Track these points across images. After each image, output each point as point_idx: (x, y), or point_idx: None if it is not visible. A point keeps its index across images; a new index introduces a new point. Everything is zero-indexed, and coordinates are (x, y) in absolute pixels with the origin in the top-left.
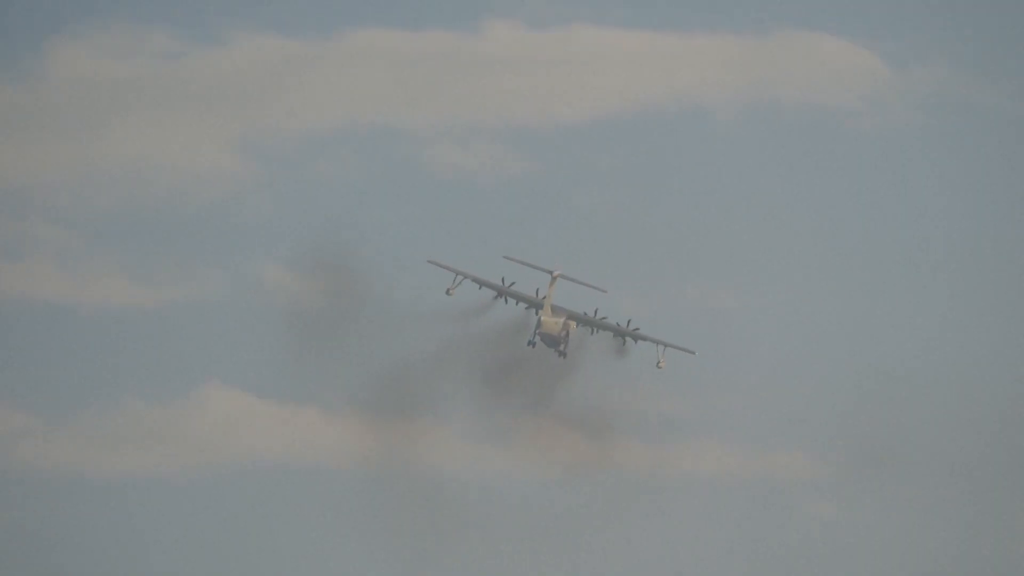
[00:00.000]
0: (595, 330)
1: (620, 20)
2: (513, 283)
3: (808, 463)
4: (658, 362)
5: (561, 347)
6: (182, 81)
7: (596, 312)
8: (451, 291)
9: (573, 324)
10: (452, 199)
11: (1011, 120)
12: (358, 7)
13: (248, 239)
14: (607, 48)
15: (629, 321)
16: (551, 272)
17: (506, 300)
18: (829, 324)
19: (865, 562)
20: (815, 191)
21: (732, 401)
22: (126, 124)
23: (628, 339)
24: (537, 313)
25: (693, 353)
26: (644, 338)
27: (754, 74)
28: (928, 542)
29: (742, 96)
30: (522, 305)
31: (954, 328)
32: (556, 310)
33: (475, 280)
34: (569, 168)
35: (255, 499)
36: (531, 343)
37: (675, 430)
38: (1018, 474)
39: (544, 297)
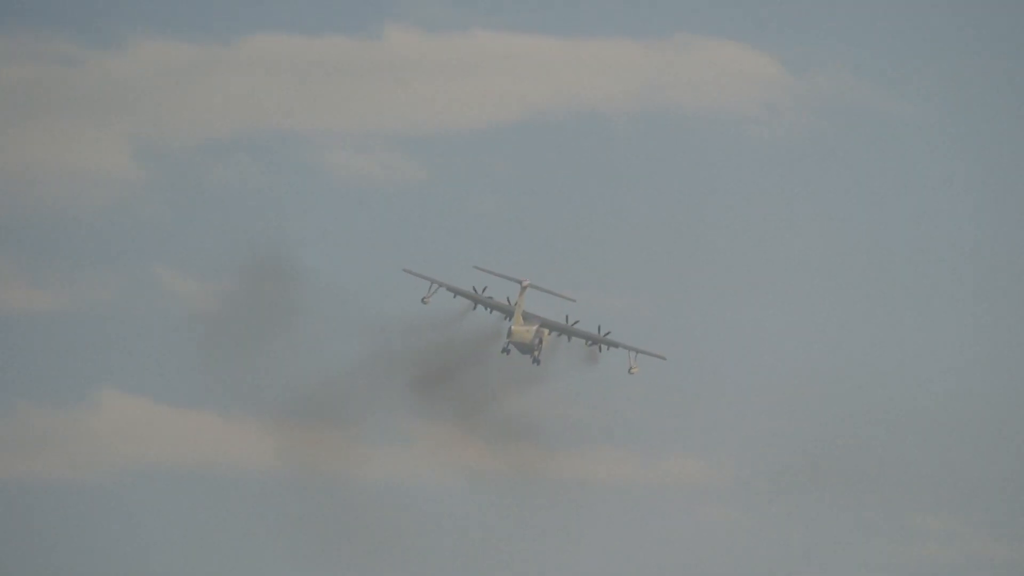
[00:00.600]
0: (570, 337)
1: (518, 25)
2: (486, 287)
3: (706, 469)
4: (630, 368)
5: (535, 354)
6: (79, 86)
7: (568, 319)
8: (427, 299)
9: (546, 332)
10: (351, 205)
11: (911, 125)
12: (258, 12)
13: (144, 244)
14: (506, 53)
15: (600, 327)
16: (520, 282)
17: (477, 307)
18: (732, 329)
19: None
20: (712, 197)
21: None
22: (23, 129)
23: (601, 346)
24: (508, 320)
25: (664, 359)
26: (616, 344)
27: (652, 79)
28: (828, 549)
29: (640, 101)
30: (497, 314)
31: (866, 334)
32: (530, 318)
33: (450, 288)
34: (467, 173)
35: (150, 504)
36: (505, 350)
37: (585, 436)
38: (919, 480)
39: (515, 305)
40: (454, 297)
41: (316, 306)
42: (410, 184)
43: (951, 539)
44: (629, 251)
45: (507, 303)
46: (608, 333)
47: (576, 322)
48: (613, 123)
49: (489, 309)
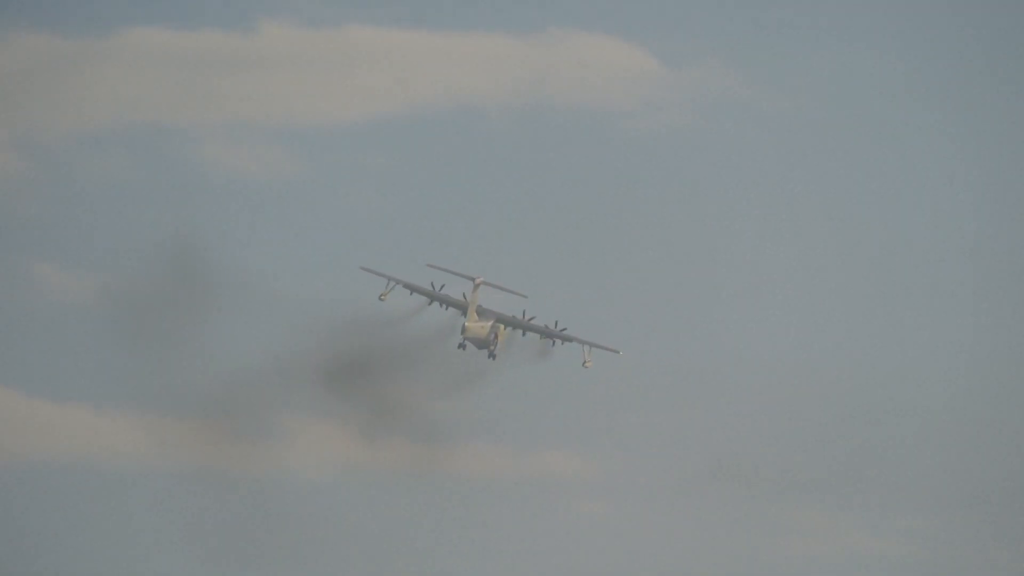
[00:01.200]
0: (525, 332)
1: (395, 20)
2: (443, 285)
3: (582, 462)
4: (584, 362)
5: (491, 348)
6: None
7: (525, 314)
8: (384, 296)
9: (502, 327)
10: (226, 199)
11: (786, 119)
12: (133, 6)
13: (21, 238)
14: (382, 48)
15: (556, 322)
16: (473, 279)
17: (431, 302)
18: (621, 324)
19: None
20: (589, 191)
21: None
22: None
23: (555, 340)
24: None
25: (618, 352)
26: (571, 339)
27: (528, 74)
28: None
29: (517, 96)
30: (452, 310)
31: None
32: (485, 313)
33: (407, 286)
34: (344, 169)
35: (23, 498)
36: (462, 346)
37: (455, 430)
38: (808, 477)
39: (469, 302)
40: (411, 294)
41: (194, 300)
42: (286, 178)
43: (834, 535)
44: (508, 246)
45: (464, 300)
46: (564, 329)
47: (532, 318)
48: (490, 118)
49: (445, 306)
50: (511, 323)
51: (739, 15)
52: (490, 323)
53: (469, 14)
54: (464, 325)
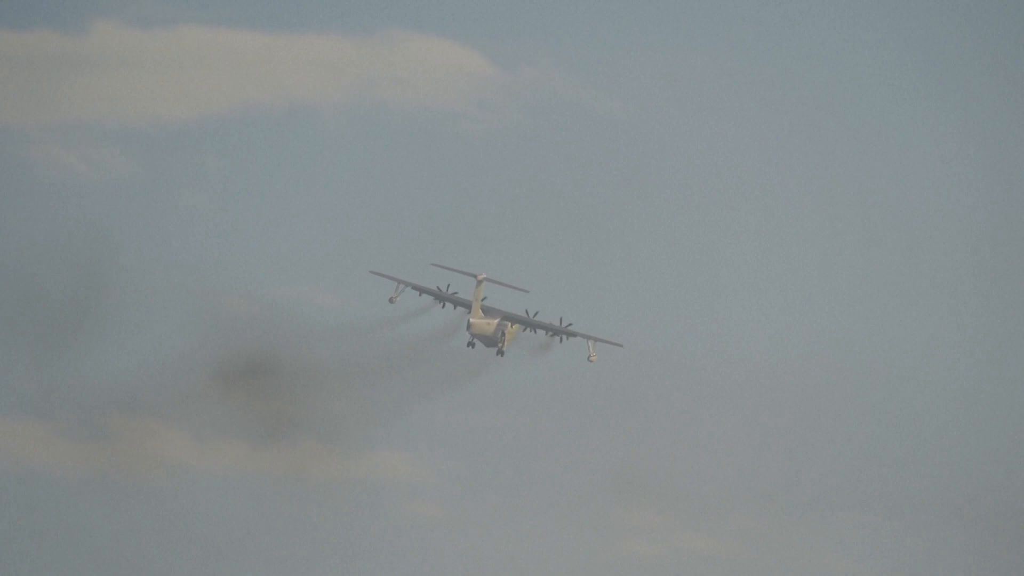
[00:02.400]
0: (527, 329)
1: (228, 20)
2: (449, 285)
3: (412, 465)
4: (589, 356)
5: (500, 346)
6: None
7: (528, 311)
8: (394, 299)
9: (511, 324)
10: (57, 199)
11: (618, 120)
12: None
13: None
14: (215, 48)
15: (561, 319)
16: (475, 276)
17: (444, 305)
18: None
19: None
20: (423, 192)
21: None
22: None
23: (561, 336)
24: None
25: (621, 346)
26: (575, 334)
27: (362, 75)
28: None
29: (351, 97)
30: (460, 309)
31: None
32: (492, 311)
33: (415, 287)
34: (176, 168)
35: None
36: (470, 344)
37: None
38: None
39: (474, 300)
40: (419, 295)
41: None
42: (118, 178)
43: (661, 535)
44: (346, 247)
45: (472, 300)
46: (570, 325)
47: (536, 313)
48: (324, 118)
49: (454, 305)
50: (517, 320)
51: (571, 17)
52: (496, 320)
53: (303, 15)
54: (469, 321)
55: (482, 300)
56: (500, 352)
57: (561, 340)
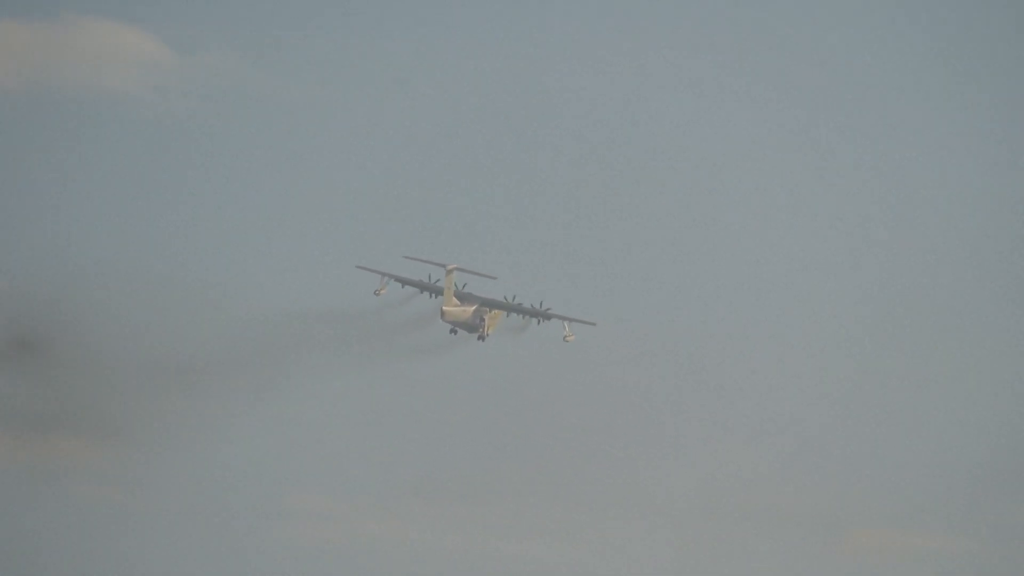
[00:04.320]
0: (509, 313)
1: None
2: (438, 280)
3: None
4: (565, 336)
5: (480, 332)
6: None
7: (506, 297)
8: (380, 292)
9: (487, 310)
10: None
11: (295, 105)
12: None
13: None
14: None
15: (542, 303)
16: (445, 266)
17: (431, 295)
18: None
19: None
20: (105, 177)
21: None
22: None
23: (539, 318)
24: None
25: (594, 324)
26: (551, 316)
27: (38, 60)
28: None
29: (26, 81)
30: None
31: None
32: (469, 298)
33: (398, 279)
34: None
35: None
36: (453, 331)
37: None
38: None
39: (445, 289)
40: (402, 287)
41: None
42: None
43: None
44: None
45: (459, 288)
46: (548, 308)
47: (515, 297)
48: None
49: (435, 295)
50: (495, 306)
51: (249, 3)
52: (473, 307)
53: None
54: (441, 309)
55: (463, 287)
56: (481, 338)
57: (539, 322)
